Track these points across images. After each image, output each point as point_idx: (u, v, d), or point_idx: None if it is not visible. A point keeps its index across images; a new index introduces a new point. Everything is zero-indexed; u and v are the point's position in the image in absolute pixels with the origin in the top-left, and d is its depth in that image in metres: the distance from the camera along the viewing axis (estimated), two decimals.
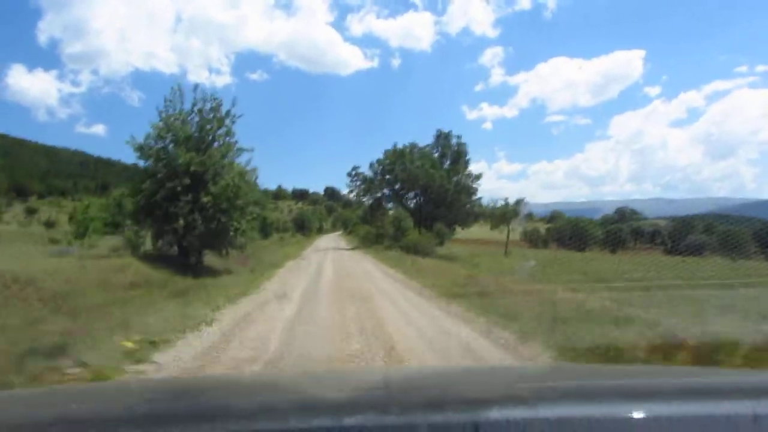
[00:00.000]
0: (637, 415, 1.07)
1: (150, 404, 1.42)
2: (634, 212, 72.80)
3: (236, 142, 17.74)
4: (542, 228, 64.44)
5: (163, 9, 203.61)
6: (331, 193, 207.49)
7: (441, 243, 41.26)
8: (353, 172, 50.43)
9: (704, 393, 1.33)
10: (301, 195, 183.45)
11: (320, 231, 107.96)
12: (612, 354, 5.59)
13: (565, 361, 5.67)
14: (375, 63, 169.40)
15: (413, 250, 31.33)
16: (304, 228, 76.34)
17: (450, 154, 47.83)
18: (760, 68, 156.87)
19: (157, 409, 1.31)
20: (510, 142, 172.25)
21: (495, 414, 1.11)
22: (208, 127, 17.08)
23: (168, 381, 3.21)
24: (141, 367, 5.66)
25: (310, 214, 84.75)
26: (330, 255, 32.43)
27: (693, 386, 1.46)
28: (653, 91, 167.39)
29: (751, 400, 1.13)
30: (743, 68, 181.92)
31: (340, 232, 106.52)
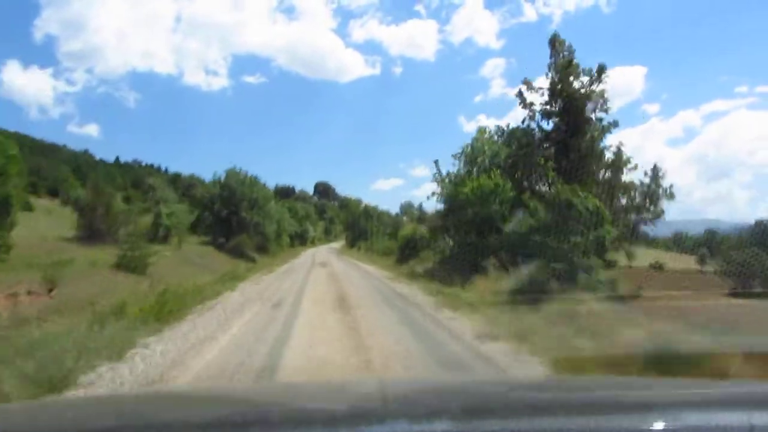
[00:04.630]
0: (633, 427, 1.11)
1: (143, 416, 1.39)
2: None
3: None
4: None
5: (162, 9, 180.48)
6: (323, 189, 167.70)
7: None
8: None
9: (700, 404, 1.32)
10: (285, 192, 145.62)
11: (303, 241, 65.04)
12: None
13: (561, 374, 5.39)
14: (376, 70, 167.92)
15: None
16: (221, 233, 30.00)
17: None
18: (761, 89, 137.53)
19: (149, 422, 1.29)
20: None
21: (491, 426, 1.12)
22: None
23: (162, 393, 3.00)
24: None
25: (270, 205, 34.68)
26: None
27: (689, 398, 1.46)
28: (652, 108, 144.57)
29: (746, 411, 1.14)
30: (743, 89, 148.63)
31: (339, 244, 63.70)
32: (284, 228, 44.27)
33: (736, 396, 1.45)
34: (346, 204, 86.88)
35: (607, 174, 15.51)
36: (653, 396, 1.52)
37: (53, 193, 48.51)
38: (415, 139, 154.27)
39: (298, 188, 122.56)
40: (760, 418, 1.07)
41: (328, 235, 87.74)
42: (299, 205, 66.80)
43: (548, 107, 15.72)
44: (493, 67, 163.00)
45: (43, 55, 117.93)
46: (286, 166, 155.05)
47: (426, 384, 2.44)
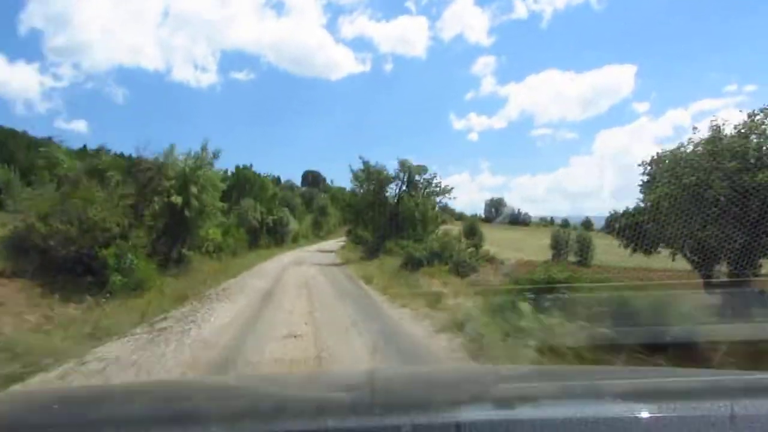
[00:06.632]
0: (618, 415, 1.12)
1: (133, 407, 1.36)
2: None
3: None
4: None
5: (149, 3, 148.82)
6: (312, 179, 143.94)
7: None
8: None
9: (683, 393, 1.36)
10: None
11: (279, 238, 38.92)
12: None
13: (548, 364, 5.03)
14: (366, 67, 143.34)
15: None
16: None
17: None
18: (749, 88, 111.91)
19: (139, 413, 1.28)
20: (495, 153, 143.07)
21: (478, 414, 1.14)
22: None
23: (151, 384, 2.97)
24: None
25: None
26: None
27: (672, 386, 1.49)
28: (642, 107, 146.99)
29: (728, 399, 1.15)
30: (732, 87, 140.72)
31: (336, 244, 38.40)
32: (208, 211, 17.47)
33: (718, 385, 1.48)
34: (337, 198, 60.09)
35: None
36: (637, 384, 1.56)
37: None
38: (406, 136, 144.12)
39: (284, 179, 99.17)
40: (741, 406, 1.09)
41: (317, 230, 61.51)
42: (266, 179, 39.11)
43: None
44: (484, 64, 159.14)
45: (28, 50, 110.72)
46: (276, 163, 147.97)
47: (414, 375, 2.41)
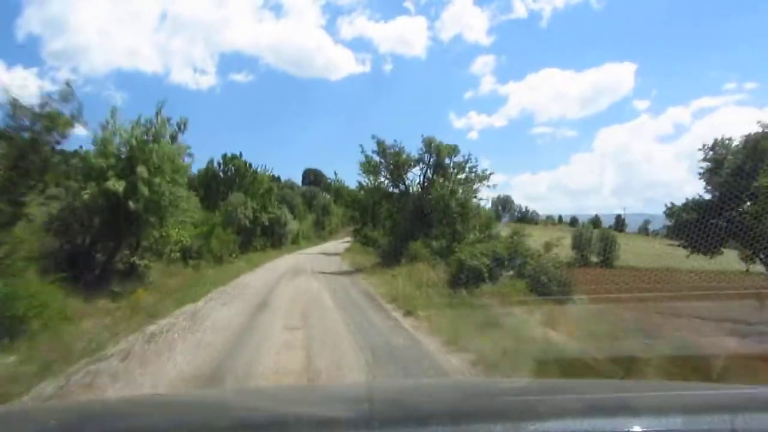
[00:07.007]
0: (619, 429, 1.10)
1: (128, 422, 1.33)
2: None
3: None
4: None
5: (146, 6, 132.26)
6: (313, 178, 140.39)
7: None
8: None
9: (683, 407, 1.32)
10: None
11: (277, 239, 33.88)
12: None
13: (548, 377, 4.82)
14: (366, 68, 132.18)
15: None
16: None
17: None
18: (749, 85, 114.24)
19: (135, 427, 1.25)
20: (496, 152, 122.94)
21: (478, 428, 1.12)
22: None
23: (146, 398, 2.81)
24: None
25: None
26: None
27: (673, 400, 1.46)
28: (642, 105, 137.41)
29: (728, 413, 1.13)
30: (732, 85, 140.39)
31: (341, 245, 34.06)
32: (166, 202, 12.42)
33: (718, 399, 1.45)
34: (340, 194, 54.87)
35: None
36: (638, 398, 1.51)
37: None
38: (407, 135, 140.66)
39: (284, 179, 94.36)
40: (741, 421, 1.06)
41: (320, 230, 56.70)
42: (261, 173, 33.42)
43: None
44: (483, 64, 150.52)
45: (27, 54, 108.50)
46: (276, 165, 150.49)
47: (413, 388, 2.36)
